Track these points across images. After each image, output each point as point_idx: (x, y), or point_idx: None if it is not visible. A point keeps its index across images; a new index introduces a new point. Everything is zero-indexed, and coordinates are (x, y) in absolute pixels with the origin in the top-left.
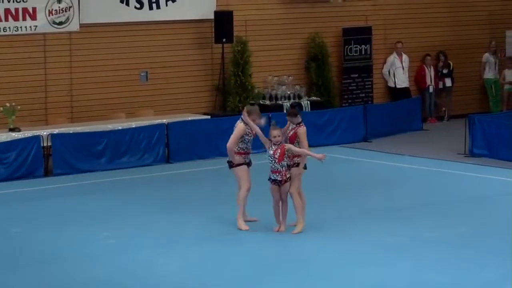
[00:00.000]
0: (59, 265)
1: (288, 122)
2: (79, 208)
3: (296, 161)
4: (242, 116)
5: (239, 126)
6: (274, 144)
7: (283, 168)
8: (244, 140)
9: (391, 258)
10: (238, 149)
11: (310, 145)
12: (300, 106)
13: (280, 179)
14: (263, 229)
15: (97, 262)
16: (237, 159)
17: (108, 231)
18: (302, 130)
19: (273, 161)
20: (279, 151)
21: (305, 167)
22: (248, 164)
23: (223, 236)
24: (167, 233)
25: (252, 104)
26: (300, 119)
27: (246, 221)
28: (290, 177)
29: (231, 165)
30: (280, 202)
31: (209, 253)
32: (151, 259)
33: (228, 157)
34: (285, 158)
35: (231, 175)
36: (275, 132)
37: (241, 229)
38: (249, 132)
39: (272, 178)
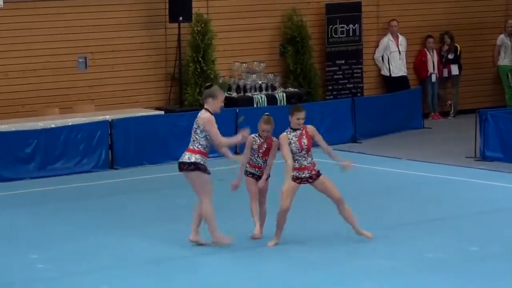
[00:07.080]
0: None
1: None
2: (2, 224)
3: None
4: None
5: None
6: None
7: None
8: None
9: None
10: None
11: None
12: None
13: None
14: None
15: None
16: None
17: (37, 254)
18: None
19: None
20: (265, 146)
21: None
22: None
23: (177, 259)
24: (108, 256)
25: (208, 87)
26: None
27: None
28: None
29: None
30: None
31: (161, 279)
32: None
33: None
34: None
35: (188, 185)
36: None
37: (224, 242)
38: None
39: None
